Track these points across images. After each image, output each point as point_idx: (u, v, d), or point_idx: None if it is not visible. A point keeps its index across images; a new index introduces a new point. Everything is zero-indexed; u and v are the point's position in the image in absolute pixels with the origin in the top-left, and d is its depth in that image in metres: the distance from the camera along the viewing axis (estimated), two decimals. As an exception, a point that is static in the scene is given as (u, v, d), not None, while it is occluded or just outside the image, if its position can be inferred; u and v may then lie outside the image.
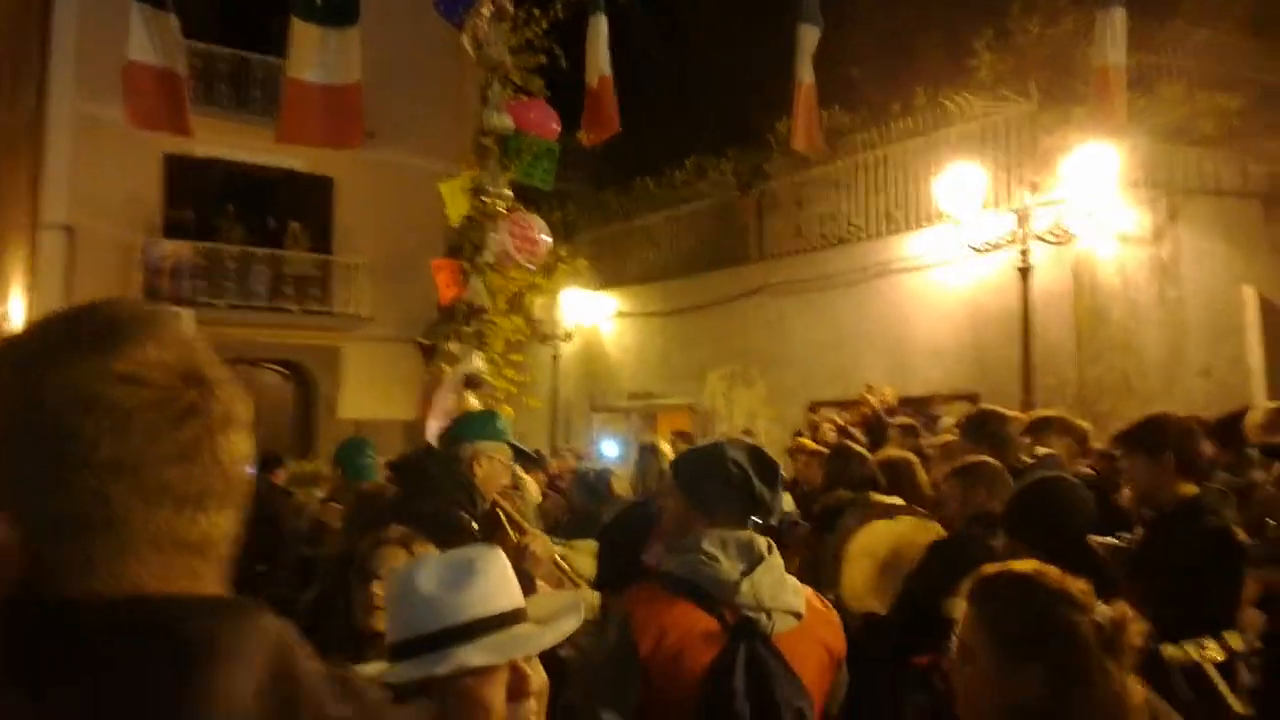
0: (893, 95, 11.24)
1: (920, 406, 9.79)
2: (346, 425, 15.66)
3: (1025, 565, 1.79)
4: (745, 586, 2.19)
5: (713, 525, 2.29)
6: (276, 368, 17.96)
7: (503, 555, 1.64)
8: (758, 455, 2.35)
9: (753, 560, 2.25)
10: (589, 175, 16.21)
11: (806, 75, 7.67)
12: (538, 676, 1.55)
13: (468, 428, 3.63)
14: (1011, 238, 9.31)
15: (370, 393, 16.68)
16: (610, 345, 14.84)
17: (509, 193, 6.47)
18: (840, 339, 11.55)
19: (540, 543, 3.23)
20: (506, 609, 1.56)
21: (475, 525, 3.39)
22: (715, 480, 2.32)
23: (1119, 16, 7.57)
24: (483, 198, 6.37)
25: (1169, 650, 2.67)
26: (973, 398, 9.96)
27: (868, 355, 11.18)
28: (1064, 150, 9.12)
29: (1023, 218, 9.16)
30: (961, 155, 9.88)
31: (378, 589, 2.46)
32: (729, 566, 2.22)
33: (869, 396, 9.49)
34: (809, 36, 7.76)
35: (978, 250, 9.68)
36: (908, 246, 10.90)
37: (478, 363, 6.36)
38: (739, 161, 12.97)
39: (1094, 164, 8.88)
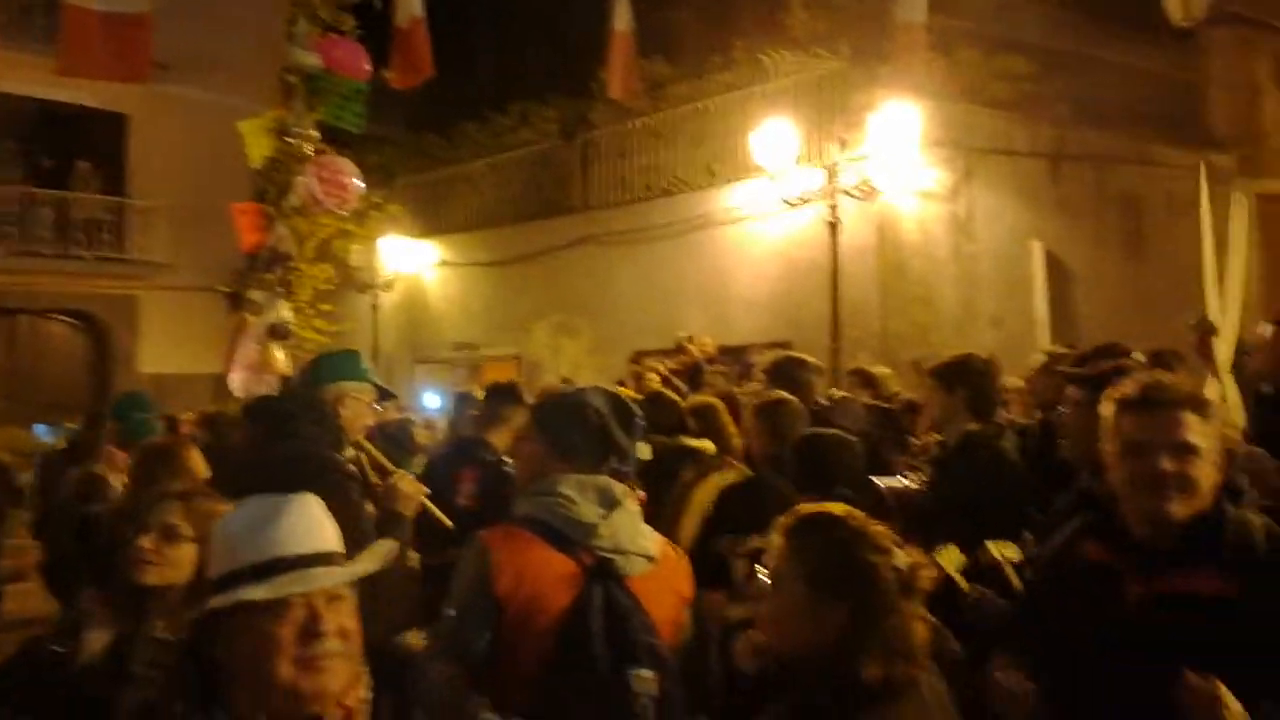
0: (713, 48, 11.35)
1: (738, 355, 10.10)
2: (146, 380, 14.73)
3: (835, 508, 1.88)
4: (604, 529, 2.22)
5: (570, 470, 2.30)
6: (66, 319, 16.65)
7: (316, 502, 1.68)
8: (618, 403, 2.37)
9: (610, 504, 2.27)
10: (408, 119, 15.68)
11: (622, 23, 7.62)
12: (341, 619, 1.57)
13: (331, 368, 3.47)
14: (821, 192, 9.64)
15: (171, 345, 15.72)
16: (433, 295, 14.52)
17: (316, 134, 6.19)
18: (663, 290, 11.72)
19: (408, 482, 3.16)
20: (307, 551, 1.58)
21: (353, 468, 3.28)
22: (575, 426, 2.33)
23: None
24: (287, 139, 6.07)
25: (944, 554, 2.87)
26: (786, 346, 10.33)
27: (689, 306, 11.40)
28: (871, 108, 9.49)
29: (832, 173, 9.49)
30: (777, 110, 10.11)
31: (147, 543, 2.36)
32: (587, 509, 2.24)
33: (690, 346, 9.72)
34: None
35: (790, 204, 9.97)
36: (726, 199, 11.12)
37: (284, 313, 6.11)
38: (563, 109, 12.83)
39: (898, 122, 9.29)
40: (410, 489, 3.13)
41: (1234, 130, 12.00)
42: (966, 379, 3.83)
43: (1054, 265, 10.34)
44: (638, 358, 10.54)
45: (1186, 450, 2.06)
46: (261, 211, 6.09)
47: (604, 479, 2.30)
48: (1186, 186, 11.60)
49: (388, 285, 14.28)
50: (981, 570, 3.01)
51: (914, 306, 10.24)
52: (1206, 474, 2.06)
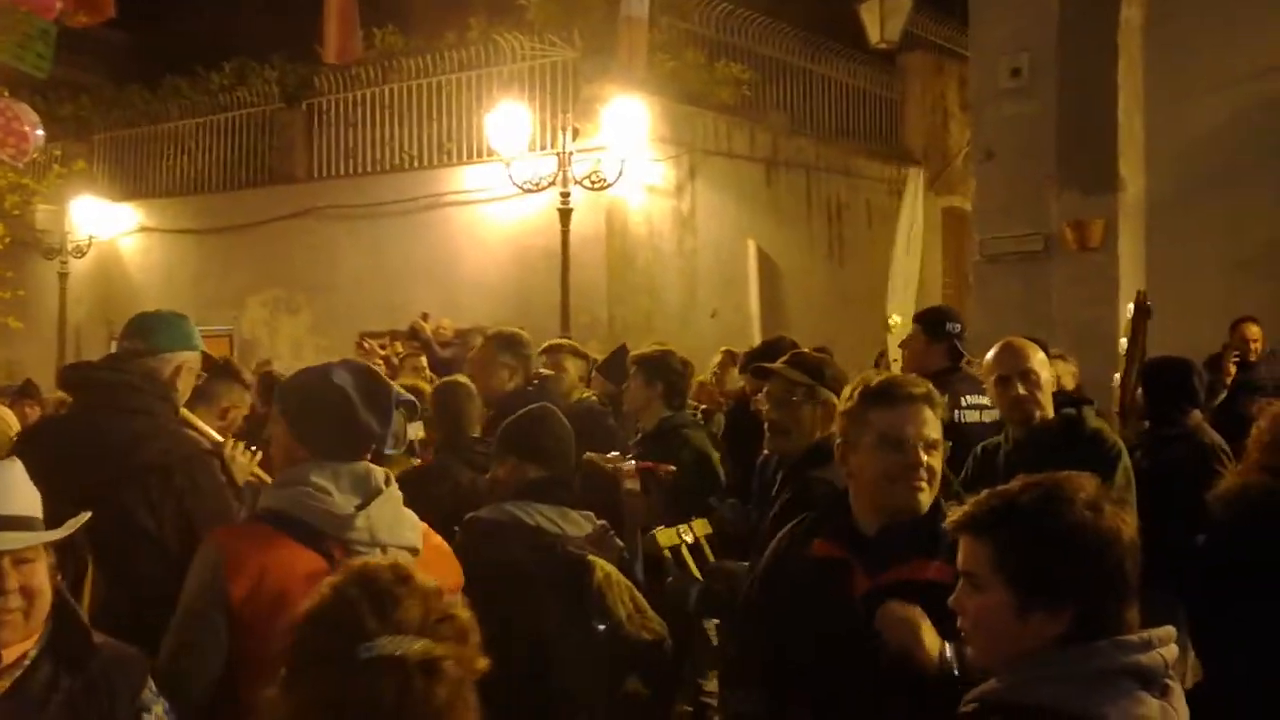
0: (448, 24, 11.09)
1: (467, 338, 9.98)
2: None
3: None
4: (360, 521, 2.06)
5: (322, 457, 2.11)
6: None
7: (17, 467, 1.80)
8: (366, 380, 2.17)
9: (369, 493, 2.11)
10: (110, 68, 14.21)
11: None
12: (27, 579, 1.71)
13: (171, 335, 3.02)
14: (553, 180, 9.69)
15: None
16: (133, 265, 13.26)
17: (-10, 74, 5.42)
18: (391, 269, 11.34)
19: (240, 450, 3.01)
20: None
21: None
22: (318, 410, 2.14)
23: None
24: (-47, 75, 5.29)
25: (658, 534, 2.98)
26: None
27: (418, 286, 11.10)
28: (603, 100, 9.65)
29: (564, 161, 9.57)
30: (511, 94, 10.05)
31: None
32: (342, 500, 2.07)
33: (423, 326, 9.50)
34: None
35: (523, 189, 9.96)
36: (458, 180, 10.93)
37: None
38: (285, 72, 12.07)
39: (628, 117, 9.51)
40: (244, 460, 3.00)
41: (926, 148, 13.29)
42: (665, 373, 4.10)
43: (766, 263, 10.99)
44: (364, 338, 10.17)
45: (933, 444, 2.17)
46: (-86, 158, 5.28)
47: (363, 466, 2.14)
48: (883, 198, 12.76)
49: (79, 251, 12.89)
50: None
51: (640, 296, 10.54)
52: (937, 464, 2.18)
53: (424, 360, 7.63)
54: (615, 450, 3.90)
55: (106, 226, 12.95)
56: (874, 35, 9.55)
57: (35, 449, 2.85)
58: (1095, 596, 1.53)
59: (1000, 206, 7.50)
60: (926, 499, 2.15)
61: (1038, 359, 3.21)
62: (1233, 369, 5.96)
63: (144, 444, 2.77)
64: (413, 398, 2.26)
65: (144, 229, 13.09)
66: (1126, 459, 3.04)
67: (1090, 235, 6.89)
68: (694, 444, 4.09)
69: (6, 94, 5.65)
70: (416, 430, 2.32)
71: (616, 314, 10.41)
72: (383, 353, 8.21)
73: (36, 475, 2.65)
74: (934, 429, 2.16)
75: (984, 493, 1.67)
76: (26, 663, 1.75)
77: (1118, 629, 1.53)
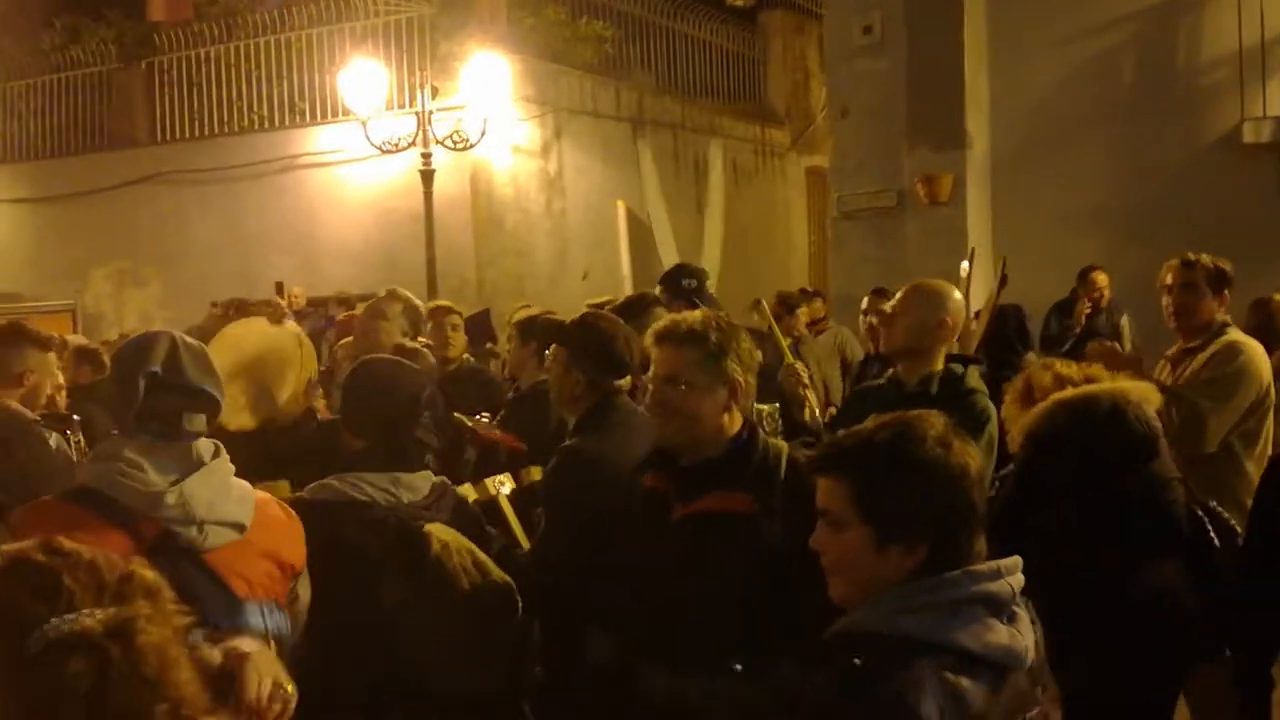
0: (296, -22, 10.62)
1: (329, 307, 9.66)
2: None
3: None
4: (171, 497, 1.93)
5: (140, 429, 2.00)
6: None
7: None
8: (187, 345, 2.07)
9: (188, 468, 1.99)
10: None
11: None
12: None
13: None
14: (414, 140, 9.42)
15: None
16: (-39, 235, 12.34)
17: None
18: (245, 235, 10.88)
19: None
20: None
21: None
22: (138, 379, 2.01)
23: None
24: None
25: (466, 489, 2.95)
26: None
27: (275, 253, 10.69)
28: (462, 58, 9.41)
29: (424, 121, 9.30)
30: (364, 51, 9.70)
31: None
32: (155, 476, 1.95)
33: (278, 297, 9.14)
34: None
35: (382, 150, 9.65)
36: (313, 141, 10.54)
37: None
38: (122, 28, 11.34)
39: (489, 75, 9.29)
40: None
41: (789, 108, 13.48)
42: (539, 334, 4.05)
43: (634, 223, 10.97)
44: (216, 304, 9.71)
45: (670, 379, 2.27)
46: None
47: (182, 442, 2.02)
48: (749, 157, 12.91)
49: (-103, 223, 11.91)
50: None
51: (509, 258, 10.40)
52: (698, 404, 2.24)
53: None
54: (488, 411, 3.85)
55: (-73, 197, 12.00)
56: (734, -9, 9.60)
57: None
58: (948, 529, 1.60)
59: (856, 164, 7.67)
60: (665, 430, 2.29)
61: (909, 299, 3.26)
62: (1084, 310, 6.29)
63: None
64: (207, 389, 2.10)
65: (-28, 199, 12.18)
66: (994, 426, 3.12)
67: (940, 190, 7.12)
68: (556, 411, 4.05)
69: None
70: (201, 424, 2.19)
71: (486, 276, 10.25)
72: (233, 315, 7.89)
73: None
74: (674, 367, 2.26)
75: (839, 433, 1.70)
76: None
77: (969, 559, 1.60)
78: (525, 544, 2.89)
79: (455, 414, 3.80)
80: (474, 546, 2.45)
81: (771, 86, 13.43)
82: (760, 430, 2.37)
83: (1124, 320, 6.61)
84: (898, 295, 3.36)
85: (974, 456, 1.65)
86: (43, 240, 11.81)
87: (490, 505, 3.01)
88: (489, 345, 7.03)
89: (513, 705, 2.61)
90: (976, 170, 7.50)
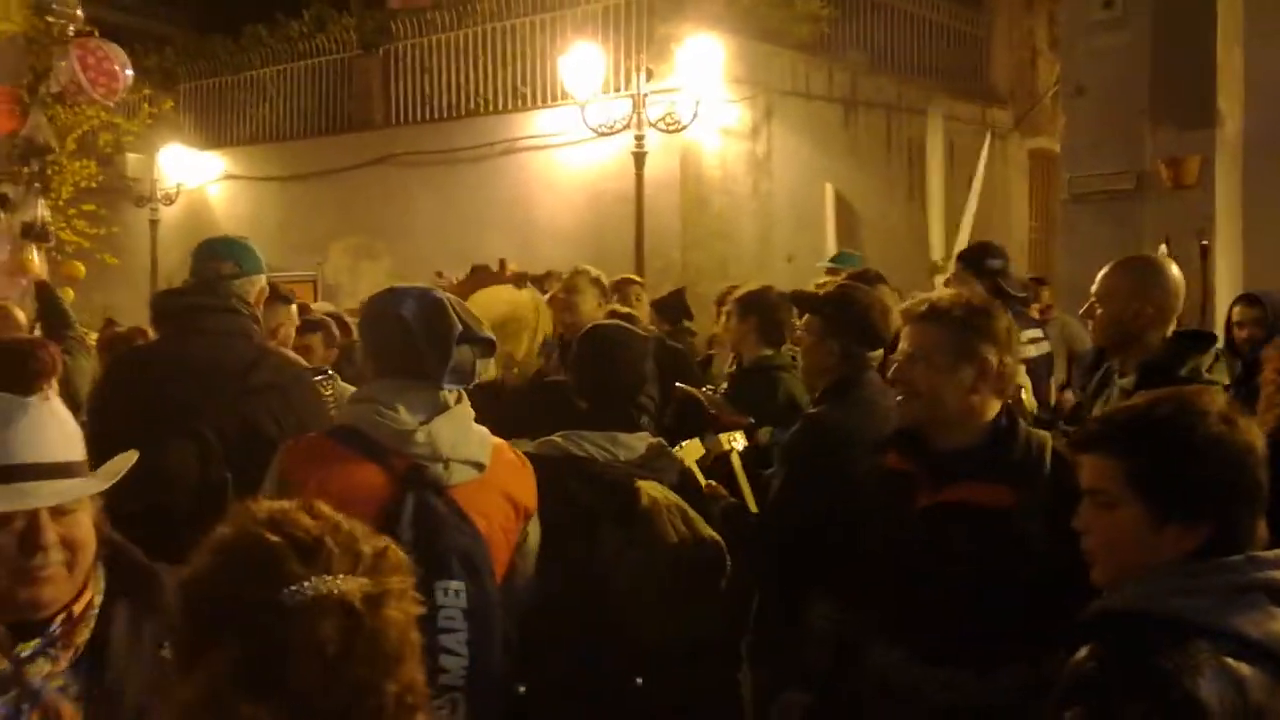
0: (522, -34, 11.03)
1: (541, 283, 10.04)
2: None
3: None
4: (421, 435, 2.11)
5: (393, 377, 2.18)
6: None
7: (48, 408, 1.61)
8: (431, 312, 2.20)
9: (434, 410, 2.16)
10: (191, 18, 14.47)
11: None
12: (69, 530, 1.57)
13: (250, 259, 3.05)
14: (628, 122, 9.63)
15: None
16: (220, 212, 13.60)
17: (80, 13, 5.57)
18: (466, 214, 11.44)
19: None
20: (38, 460, 1.55)
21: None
22: (381, 335, 2.22)
23: None
24: (47, 17, 5.45)
25: (695, 444, 3.00)
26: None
27: (492, 231, 11.18)
28: (677, 40, 9.51)
29: (638, 104, 9.49)
30: (584, 36, 9.97)
31: None
32: (405, 416, 2.13)
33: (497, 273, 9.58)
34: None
35: (597, 133, 9.92)
36: (533, 124, 10.93)
37: (41, 211, 5.55)
38: (362, 18, 12.16)
39: (703, 57, 9.35)
40: None
41: (1013, 88, 12.84)
42: (762, 309, 4.06)
43: (842, 206, 10.79)
44: (442, 274, 10.29)
45: (915, 359, 2.22)
46: (15, 96, 5.46)
47: (433, 388, 2.19)
48: (968, 139, 12.39)
49: (169, 199, 13.26)
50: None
51: (714, 240, 10.46)
52: (941, 383, 2.18)
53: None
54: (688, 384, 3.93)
55: (194, 174, 13.28)
56: (959, -33, 9.22)
57: (143, 372, 2.98)
58: (1232, 510, 1.53)
59: (1090, 144, 7.24)
60: (907, 408, 2.22)
61: (1108, 283, 3.00)
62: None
63: (257, 366, 2.88)
64: (490, 335, 2.29)
65: (229, 176, 13.40)
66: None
67: (1186, 173, 6.62)
68: (785, 386, 3.98)
69: (97, 33, 5.78)
70: (487, 368, 2.33)
71: (691, 258, 10.36)
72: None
73: (144, 397, 2.77)
74: (918, 343, 2.20)
75: (1105, 411, 1.65)
76: (95, 612, 1.65)
77: (1250, 543, 1.53)
78: (751, 502, 2.93)
79: (679, 384, 3.91)
80: (684, 504, 2.53)
81: (995, 65, 12.84)
82: (1020, 417, 2.26)
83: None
84: (1099, 277, 3.06)
85: (1258, 435, 1.57)
86: (290, 215, 12.84)
87: (722, 459, 3.07)
88: (685, 323, 7.13)
89: (723, 658, 2.66)
90: (1227, 152, 6.91)
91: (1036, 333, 3.75)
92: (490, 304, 3.69)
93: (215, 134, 13.55)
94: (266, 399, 2.80)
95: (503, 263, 10.17)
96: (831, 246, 11.02)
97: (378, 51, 12.10)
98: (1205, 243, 3.74)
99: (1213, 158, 6.80)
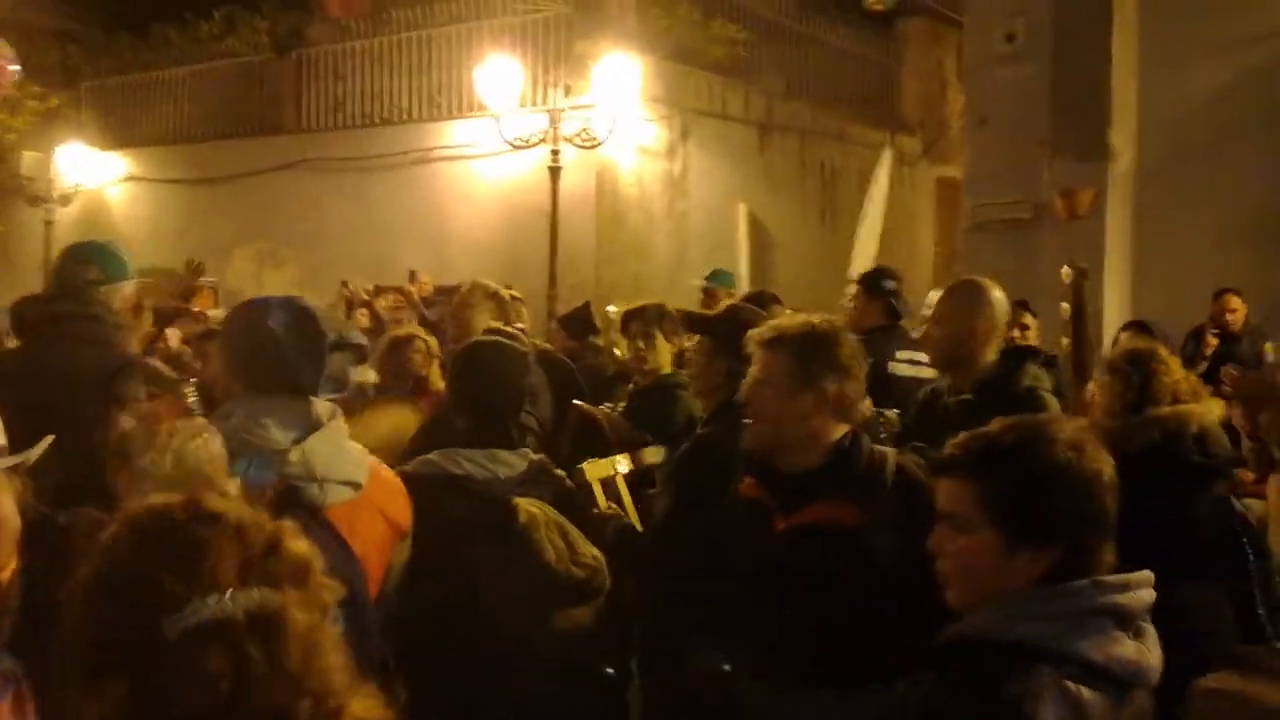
0: (440, -25, 10.95)
1: (453, 295, 9.91)
2: None
3: None
4: (294, 455, 2.03)
5: (261, 393, 2.10)
6: None
7: None
8: (301, 321, 2.14)
9: (308, 427, 2.08)
10: (98, 15, 13.98)
11: None
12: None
13: (117, 265, 2.97)
14: (544, 137, 9.59)
15: None
16: (119, 214, 13.14)
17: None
18: (379, 223, 11.25)
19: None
20: None
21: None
22: (250, 347, 2.13)
23: None
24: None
25: (587, 466, 2.98)
26: (507, 289, 10.28)
27: (406, 242, 11.02)
28: (595, 57, 9.52)
29: (555, 119, 9.46)
30: (501, 49, 9.92)
31: None
32: (278, 434, 2.05)
33: (409, 285, 9.42)
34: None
35: (513, 146, 9.86)
36: (448, 135, 10.82)
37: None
38: (276, 21, 11.90)
39: (620, 75, 9.38)
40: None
41: (922, 117, 13.18)
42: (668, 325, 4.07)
43: (755, 226, 10.91)
44: (347, 284, 10.06)
45: (761, 384, 2.25)
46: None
47: (305, 400, 2.11)
48: (874, 164, 12.66)
49: (65, 200, 12.76)
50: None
51: (629, 257, 10.47)
52: (783, 407, 2.21)
53: (410, 316, 7.59)
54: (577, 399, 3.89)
55: (93, 175, 12.81)
56: (871, -2, 9.45)
57: (5, 379, 2.84)
58: (1081, 536, 1.55)
59: (991, 174, 7.45)
60: (754, 431, 2.25)
61: (941, 307, 3.10)
62: (1212, 341, 5.93)
63: (122, 374, 2.79)
64: (363, 341, 2.22)
65: (131, 178, 12.96)
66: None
67: (1079, 204, 6.85)
68: (685, 404, 3.94)
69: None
70: (364, 373, 2.26)
71: (605, 275, 10.34)
72: (365, 296, 8.21)
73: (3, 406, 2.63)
74: (762, 369, 2.23)
75: (963, 435, 1.67)
76: (15, 582, 1.76)
77: (1097, 569, 1.55)
78: (637, 523, 2.91)
79: (576, 401, 3.87)
80: (564, 521, 2.49)
81: (905, 94, 13.16)
82: (864, 436, 2.29)
83: (1268, 346, 6.22)
84: (933, 302, 3.18)
85: (1106, 462, 1.59)
86: (191, 219, 12.46)
87: (608, 483, 3.04)
88: (592, 338, 7.11)
89: (606, 679, 2.63)
90: (1119, 184, 7.18)
91: (917, 354, 3.84)
92: (371, 426, 3.62)
93: (118, 134, 13.09)
94: (133, 410, 2.68)
95: (413, 274, 10.03)
96: (745, 267, 11.15)
97: (291, 55, 11.86)
98: (1082, 267, 3.83)
99: (1106, 190, 7.05)
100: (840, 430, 2.23)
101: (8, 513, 1.74)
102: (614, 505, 2.96)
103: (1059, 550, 1.54)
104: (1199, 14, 7.21)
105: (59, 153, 12.61)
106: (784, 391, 2.20)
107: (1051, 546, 1.54)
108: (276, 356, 2.10)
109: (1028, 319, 5.99)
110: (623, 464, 3.13)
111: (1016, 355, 3.03)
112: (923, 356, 3.68)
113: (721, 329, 2.83)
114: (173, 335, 7.19)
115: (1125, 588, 1.55)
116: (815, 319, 2.29)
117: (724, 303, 5.33)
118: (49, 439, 1.82)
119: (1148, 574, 1.59)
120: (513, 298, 5.30)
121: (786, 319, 2.37)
